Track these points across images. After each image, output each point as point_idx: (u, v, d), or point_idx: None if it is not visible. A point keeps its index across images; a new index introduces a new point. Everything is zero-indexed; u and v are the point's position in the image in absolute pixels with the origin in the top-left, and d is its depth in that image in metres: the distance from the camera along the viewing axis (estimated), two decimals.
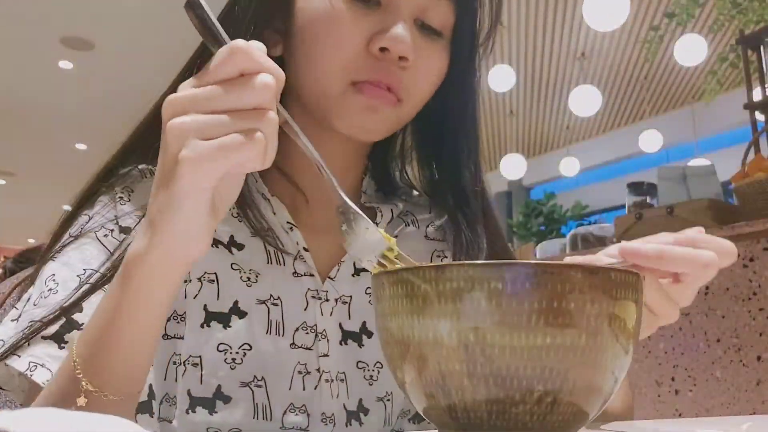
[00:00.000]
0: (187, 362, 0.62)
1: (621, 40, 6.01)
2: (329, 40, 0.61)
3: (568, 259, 0.51)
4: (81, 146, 7.88)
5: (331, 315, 0.68)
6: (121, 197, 0.65)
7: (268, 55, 0.66)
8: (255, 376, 0.63)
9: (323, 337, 0.67)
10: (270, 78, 0.42)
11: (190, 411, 0.61)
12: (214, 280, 0.64)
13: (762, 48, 3.04)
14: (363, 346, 0.68)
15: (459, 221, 0.74)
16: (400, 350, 0.40)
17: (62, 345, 0.56)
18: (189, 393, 0.62)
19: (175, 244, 0.44)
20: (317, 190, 0.71)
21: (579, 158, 7.11)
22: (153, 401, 0.61)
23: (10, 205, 10.10)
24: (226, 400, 0.62)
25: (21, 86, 6.38)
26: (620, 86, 7.03)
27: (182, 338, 0.62)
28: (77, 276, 0.59)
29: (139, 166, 0.68)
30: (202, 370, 0.62)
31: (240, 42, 0.42)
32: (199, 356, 0.62)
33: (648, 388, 2.02)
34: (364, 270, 0.71)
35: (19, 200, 9.79)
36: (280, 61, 0.65)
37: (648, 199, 2.80)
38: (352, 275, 0.70)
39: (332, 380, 0.67)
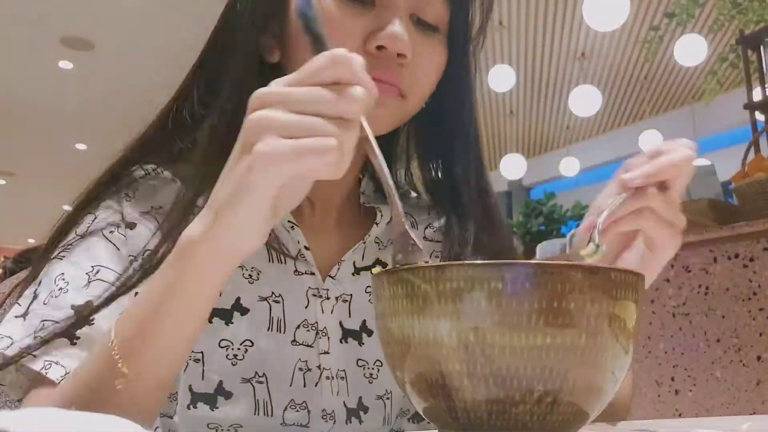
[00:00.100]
0: (189, 358, 0.62)
1: (621, 40, 6.01)
2: None
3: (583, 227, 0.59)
4: (81, 146, 7.89)
5: (332, 313, 0.68)
6: (126, 194, 0.66)
7: (266, 61, 0.66)
8: (256, 372, 0.64)
9: (324, 334, 0.67)
10: (364, 92, 0.42)
11: (191, 406, 0.62)
12: None
13: (762, 48, 3.04)
14: (363, 344, 0.69)
15: (451, 217, 0.74)
16: (400, 350, 0.40)
17: (74, 341, 0.56)
18: (190, 388, 0.62)
19: (232, 235, 0.44)
20: (319, 189, 0.71)
21: (579, 158, 7.11)
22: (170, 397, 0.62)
23: (10, 205, 10.10)
24: (228, 395, 0.62)
25: (21, 86, 6.38)
26: (620, 86, 7.03)
27: None
28: (86, 273, 0.60)
29: (145, 165, 0.68)
30: (203, 366, 0.62)
31: (343, 51, 0.42)
32: (201, 352, 0.63)
33: (648, 388, 2.02)
34: (365, 269, 0.72)
35: (19, 200, 9.79)
36: (278, 67, 0.66)
37: None
38: (353, 274, 0.71)
39: (332, 377, 0.67)
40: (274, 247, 0.67)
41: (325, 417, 0.66)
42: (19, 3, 4.98)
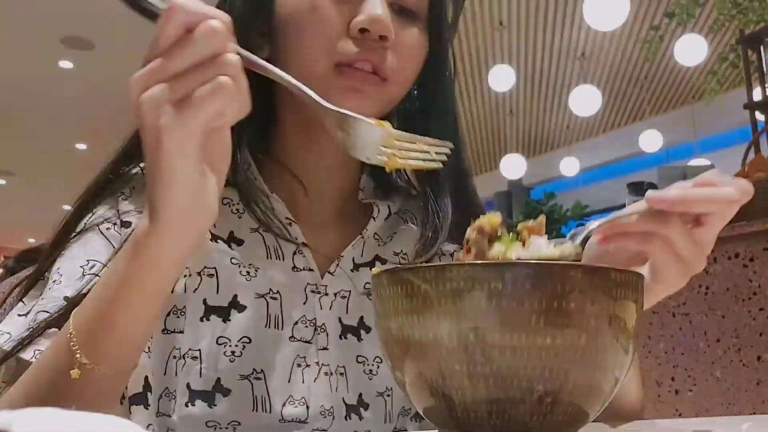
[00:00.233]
0: (186, 356, 0.63)
1: (621, 40, 6.01)
2: (310, 27, 0.63)
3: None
4: (81, 146, 7.89)
5: (330, 309, 0.69)
6: (123, 193, 0.66)
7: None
8: (254, 369, 0.64)
9: (323, 330, 0.67)
10: (216, 22, 0.42)
11: (189, 404, 0.62)
12: (213, 275, 0.65)
13: (762, 48, 3.04)
14: (362, 340, 0.69)
15: (427, 196, 0.75)
16: (400, 350, 0.40)
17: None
18: (188, 386, 0.62)
19: (180, 215, 0.45)
20: (318, 185, 0.72)
21: (579, 158, 7.11)
22: (149, 393, 0.62)
23: (10, 205, 10.10)
24: (226, 392, 0.63)
25: (21, 86, 6.38)
26: (620, 86, 7.03)
27: (180, 332, 0.63)
28: (80, 267, 0.60)
29: (142, 164, 0.68)
30: (201, 363, 0.62)
31: (175, 0, 0.42)
32: (199, 349, 0.63)
33: (648, 388, 2.02)
34: (364, 265, 0.72)
35: (19, 200, 9.80)
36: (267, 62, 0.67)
37: None
38: (352, 270, 0.71)
39: (331, 373, 0.67)
40: (281, 236, 0.67)
41: (324, 413, 0.66)
42: (19, 3, 4.98)
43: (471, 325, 0.36)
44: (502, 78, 5.19)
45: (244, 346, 0.64)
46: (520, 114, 7.60)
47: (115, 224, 0.64)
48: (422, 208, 0.75)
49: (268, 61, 0.66)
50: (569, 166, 6.89)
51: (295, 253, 0.68)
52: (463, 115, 3.93)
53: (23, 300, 0.62)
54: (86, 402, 0.49)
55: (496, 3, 5.47)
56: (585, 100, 5.32)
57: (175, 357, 0.63)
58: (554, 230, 6.34)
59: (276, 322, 0.66)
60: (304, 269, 0.69)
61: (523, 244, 0.46)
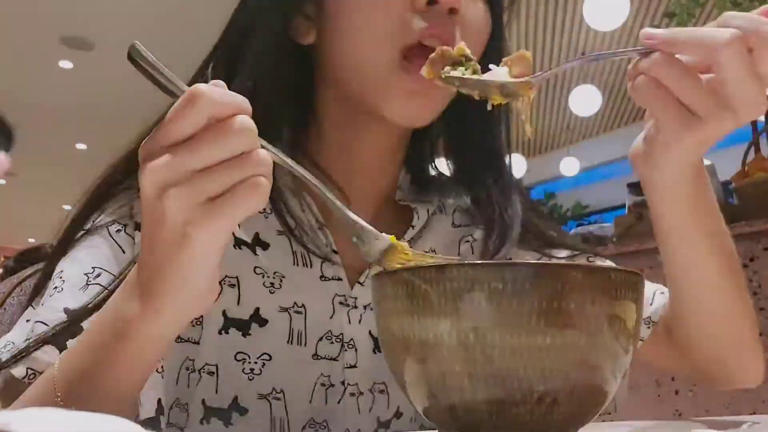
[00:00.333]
0: (202, 370, 0.59)
1: (621, 40, 6.00)
2: (371, 6, 0.58)
3: None
4: (81, 146, 7.88)
5: (360, 323, 0.64)
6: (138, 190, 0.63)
7: (299, 44, 0.63)
8: (274, 388, 0.61)
9: (351, 347, 0.64)
10: (246, 119, 0.39)
11: (204, 421, 0.59)
12: (235, 285, 0.61)
13: None
14: None
15: (493, 199, 0.70)
16: (400, 350, 0.40)
17: (62, 349, 0.53)
18: (203, 402, 0.59)
19: (181, 308, 0.43)
20: (353, 185, 0.66)
21: (579, 158, 7.11)
22: (161, 417, 0.58)
23: (11, 205, 10.10)
24: (243, 411, 0.60)
25: (21, 86, 6.38)
26: (620, 86, 7.02)
27: (196, 342, 0.60)
28: (85, 274, 0.56)
29: None
30: (218, 380, 0.59)
31: (200, 87, 0.38)
32: (216, 364, 0.60)
33: (648, 388, 2.02)
34: None
35: (20, 200, 9.79)
36: (311, 49, 0.63)
37: None
38: None
39: (360, 393, 0.63)
40: (301, 243, 0.63)
41: None
42: (19, 3, 4.98)
43: (471, 325, 0.36)
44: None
45: (264, 364, 0.60)
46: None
47: (126, 225, 0.60)
48: (487, 219, 0.70)
49: (313, 47, 0.63)
50: (569, 166, 6.89)
51: (324, 261, 0.64)
52: None
53: (33, 304, 0.59)
54: None
55: None
56: (585, 100, 5.32)
57: (188, 368, 0.60)
58: None
59: (299, 338, 0.62)
60: (332, 278, 0.64)
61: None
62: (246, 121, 0.39)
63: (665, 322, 0.68)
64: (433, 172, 0.78)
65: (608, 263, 0.75)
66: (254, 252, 0.63)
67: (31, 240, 10.35)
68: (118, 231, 0.59)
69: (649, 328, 0.69)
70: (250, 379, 0.60)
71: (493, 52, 0.66)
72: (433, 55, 0.52)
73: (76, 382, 0.45)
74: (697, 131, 0.47)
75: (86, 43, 5.60)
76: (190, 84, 0.60)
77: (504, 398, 0.37)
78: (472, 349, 0.37)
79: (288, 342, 0.61)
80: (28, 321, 0.57)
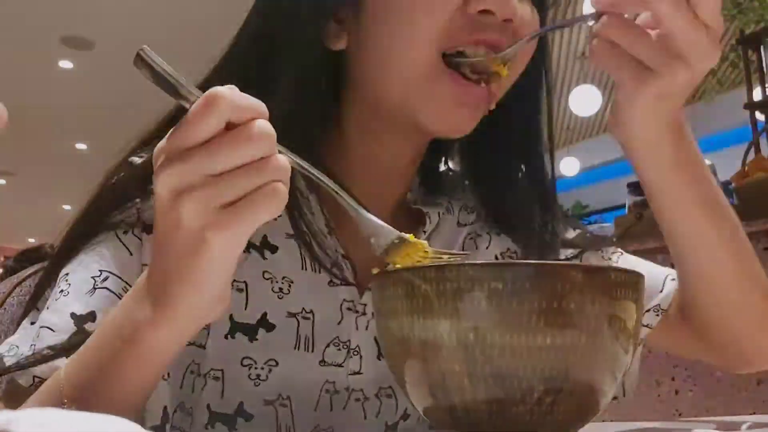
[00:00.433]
0: (208, 375, 0.59)
1: None
2: (416, 5, 0.56)
3: None
4: (81, 146, 7.88)
5: (366, 329, 0.63)
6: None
7: (330, 49, 0.60)
8: (280, 395, 0.60)
9: (356, 353, 0.63)
10: (265, 124, 0.39)
11: (209, 426, 0.58)
12: (243, 289, 0.60)
13: (762, 48, 3.04)
14: None
15: (526, 208, 0.69)
16: (400, 350, 0.40)
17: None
18: (209, 407, 0.58)
19: (195, 314, 0.42)
20: (369, 189, 0.64)
21: (579, 158, 7.11)
22: (167, 425, 0.56)
23: (10, 205, 10.10)
24: (248, 417, 0.59)
25: (21, 86, 6.38)
26: None
27: (202, 346, 0.59)
28: (92, 278, 0.55)
29: None
30: (223, 385, 0.59)
31: (217, 91, 0.38)
32: (222, 369, 0.59)
33: (648, 388, 2.02)
34: None
35: (19, 200, 9.79)
36: (342, 55, 0.62)
37: None
38: None
39: (365, 399, 0.63)
40: (309, 250, 0.61)
41: None
42: (19, 3, 4.98)
43: (471, 325, 0.36)
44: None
45: (270, 369, 0.59)
46: None
47: (133, 227, 0.58)
48: (527, 240, 0.70)
49: (343, 53, 0.61)
50: (569, 166, 6.89)
51: (333, 266, 0.62)
52: None
53: (37, 306, 0.58)
54: None
55: None
56: (585, 101, 5.32)
57: (193, 372, 0.59)
58: None
59: (307, 344, 0.61)
60: (341, 284, 0.63)
61: None
62: (265, 125, 0.39)
63: (678, 305, 0.68)
64: (441, 168, 0.77)
65: (630, 258, 0.75)
66: (263, 256, 0.62)
67: (31, 240, 10.35)
68: (126, 232, 0.58)
69: (658, 315, 0.68)
70: (256, 385, 0.59)
71: (539, 60, 0.66)
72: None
73: (82, 389, 0.45)
74: (652, 84, 0.49)
75: (86, 43, 5.60)
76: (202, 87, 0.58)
77: (504, 398, 0.37)
78: (472, 349, 0.37)
79: (295, 348, 0.61)
80: (32, 324, 0.56)
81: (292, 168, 0.41)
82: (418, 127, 0.61)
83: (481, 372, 0.37)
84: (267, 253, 0.62)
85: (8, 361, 0.52)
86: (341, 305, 0.63)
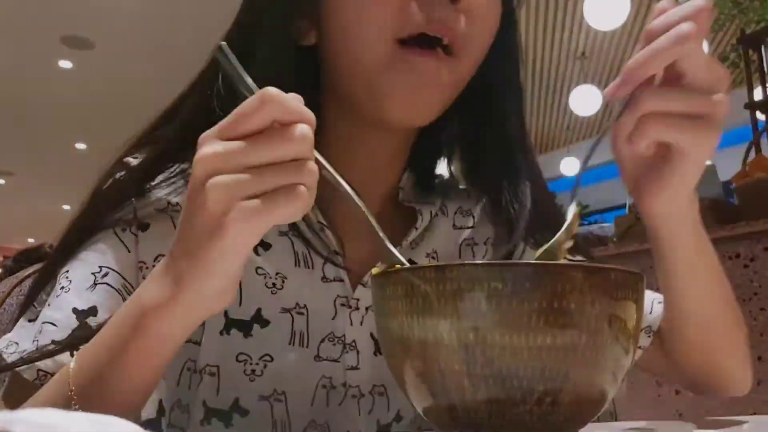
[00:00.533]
0: (203, 371, 0.59)
1: (621, 39, 6.00)
2: None
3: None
4: (81, 146, 7.89)
5: (361, 324, 0.64)
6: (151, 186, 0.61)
7: (301, 45, 0.61)
8: (275, 390, 0.60)
9: (352, 348, 0.63)
10: (307, 128, 0.40)
11: (204, 422, 0.58)
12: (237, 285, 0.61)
13: (763, 48, 3.04)
14: None
15: (504, 199, 0.69)
16: (400, 350, 0.40)
17: (74, 354, 0.52)
18: (204, 403, 0.59)
19: (205, 300, 0.43)
20: (356, 183, 0.62)
21: (579, 158, 7.11)
22: (162, 418, 0.58)
23: (10, 205, 10.10)
24: (244, 413, 0.59)
25: (21, 85, 6.38)
26: None
27: (197, 343, 0.59)
28: (92, 273, 0.56)
29: (183, 165, 0.61)
30: (219, 381, 0.59)
31: (272, 90, 0.40)
32: (217, 365, 0.59)
33: (648, 388, 2.02)
34: None
35: (19, 200, 9.79)
36: (314, 51, 0.62)
37: None
38: None
39: (360, 395, 0.63)
40: (304, 243, 0.62)
41: None
42: (19, 3, 4.98)
43: (471, 325, 0.36)
44: None
45: (265, 365, 0.60)
46: None
47: (130, 225, 0.59)
48: (496, 220, 0.70)
49: (315, 47, 0.62)
50: (569, 166, 6.89)
51: (325, 262, 0.63)
52: None
53: (35, 304, 0.59)
54: None
55: None
56: (585, 101, 5.32)
57: (189, 369, 0.60)
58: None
59: (301, 339, 0.61)
60: (334, 280, 0.63)
61: None
62: (305, 129, 0.40)
63: (659, 332, 0.68)
64: (437, 172, 0.77)
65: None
66: (256, 252, 0.62)
67: (31, 240, 10.36)
68: (124, 230, 0.59)
69: (649, 336, 0.68)
70: (252, 381, 0.60)
71: (503, 44, 0.65)
72: None
73: (89, 382, 0.46)
74: (709, 131, 0.48)
75: (86, 43, 5.60)
76: (196, 87, 0.59)
77: (504, 398, 0.37)
78: (472, 349, 0.37)
79: (290, 343, 0.61)
80: (29, 321, 0.56)
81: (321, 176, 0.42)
82: (383, 121, 0.61)
83: (481, 372, 0.37)
84: (260, 250, 0.62)
85: (9, 358, 0.53)
86: (335, 301, 0.63)
